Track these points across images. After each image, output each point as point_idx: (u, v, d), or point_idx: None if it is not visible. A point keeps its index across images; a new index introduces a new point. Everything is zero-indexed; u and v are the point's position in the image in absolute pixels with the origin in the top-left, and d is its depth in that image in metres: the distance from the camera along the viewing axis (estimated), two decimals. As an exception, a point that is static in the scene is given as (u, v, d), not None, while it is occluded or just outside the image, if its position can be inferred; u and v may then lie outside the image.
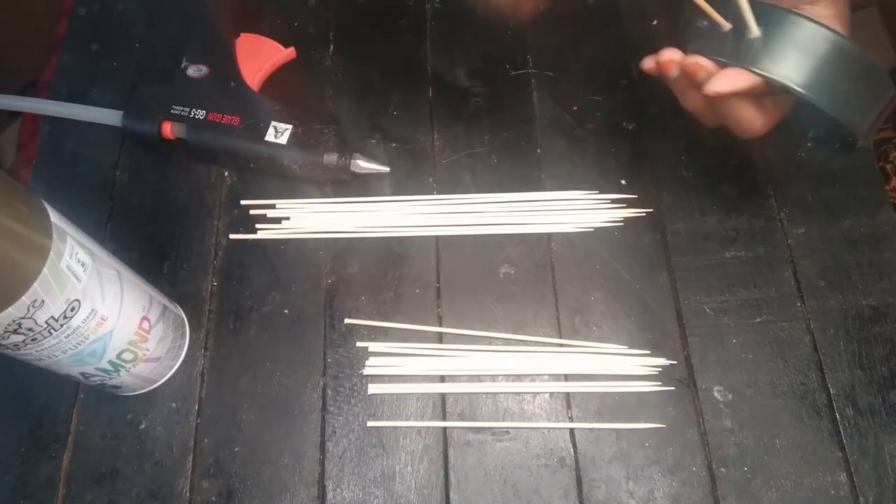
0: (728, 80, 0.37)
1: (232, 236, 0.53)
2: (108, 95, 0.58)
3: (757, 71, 0.37)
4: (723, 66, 0.39)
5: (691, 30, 0.40)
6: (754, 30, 0.37)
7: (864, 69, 0.39)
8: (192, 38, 0.56)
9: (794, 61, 0.37)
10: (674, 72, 0.39)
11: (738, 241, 0.52)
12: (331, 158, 0.52)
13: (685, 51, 0.39)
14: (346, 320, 0.50)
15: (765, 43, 0.37)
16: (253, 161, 0.53)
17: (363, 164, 0.53)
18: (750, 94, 0.38)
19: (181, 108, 0.53)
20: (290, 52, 0.58)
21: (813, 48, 0.37)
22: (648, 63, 0.41)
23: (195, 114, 0.53)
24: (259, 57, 0.57)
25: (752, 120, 0.40)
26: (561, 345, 0.49)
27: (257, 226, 0.53)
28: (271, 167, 0.53)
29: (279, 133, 0.52)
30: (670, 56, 0.39)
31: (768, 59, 0.37)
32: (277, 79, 0.58)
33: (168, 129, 0.53)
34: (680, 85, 0.42)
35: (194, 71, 0.55)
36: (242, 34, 0.58)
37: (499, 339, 0.49)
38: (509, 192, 0.54)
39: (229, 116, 0.53)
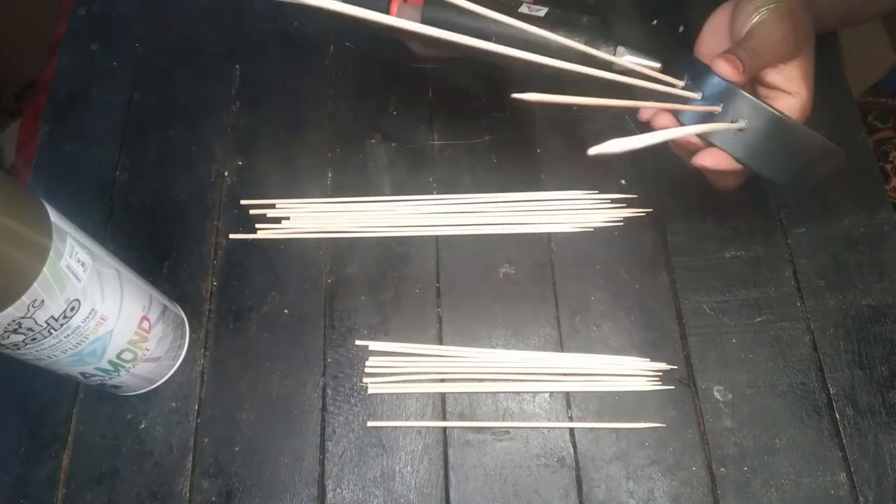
0: (711, 159, 0.43)
1: (232, 236, 0.53)
2: (108, 95, 0.58)
3: (740, 160, 0.42)
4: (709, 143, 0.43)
5: (686, 102, 0.43)
6: (743, 125, 0.42)
7: (823, 152, 0.43)
8: None
9: (770, 156, 0.42)
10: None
11: (737, 240, 0.52)
12: (591, 42, 0.45)
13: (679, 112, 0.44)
14: (357, 342, 0.49)
15: (749, 135, 0.41)
16: (499, 38, 0.45)
17: (627, 57, 0.45)
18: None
19: None
20: None
21: (785, 145, 0.42)
22: (644, 115, 0.45)
23: None
24: None
25: (726, 180, 0.45)
26: (563, 370, 0.48)
27: (257, 226, 0.53)
28: (523, 46, 0.41)
29: (534, 9, 0.46)
30: (664, 123, 0.44)
31: (747, 149, 0.42)
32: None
33: (399, 11, 0.46)
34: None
35: None
36: None
37: (499, 346, 0.49)
38: (509, 192, 0.54)
39: None
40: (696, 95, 0.42)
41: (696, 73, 0.43)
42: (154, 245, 0.53)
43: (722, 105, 0.42)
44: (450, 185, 0.54)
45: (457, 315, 0.50)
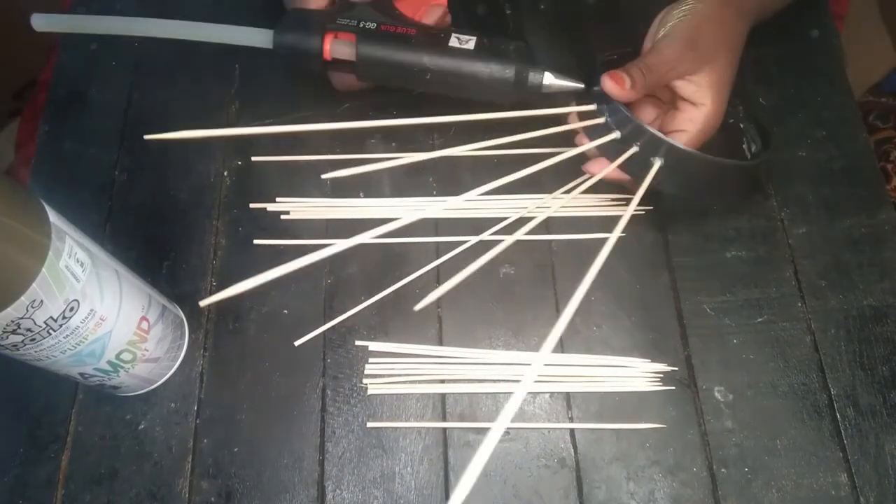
0: (598, 167, 0.46)
1: (252, 205, 0.53)
2: (107, 95, 0.58)
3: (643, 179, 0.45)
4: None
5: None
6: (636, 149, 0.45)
7: (727, 171, 0.46)
8: None
9: (673, 177, 0.45)
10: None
11: (738, 240, 0.52)
12: (522, 70, 0.47)
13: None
14: (357, 342, 0.49)
15: (642, 157, 0.44)
16: (433, 73, 0.47)
17: (555, 81, 0.48)
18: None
19: (347, 21, 0.47)
20: None
21: (682, 169, 0.45)
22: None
23: (365, 24, 0.47)
24: None
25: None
26: (564, 370, 0.48)
27: (277, 198, 0.53)
28: (454, 80, 0.48)
29: (463, 42, 0.47)
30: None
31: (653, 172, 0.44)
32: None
33: (332, 46, 0.47)
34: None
35: None
36: None
37: (499, 347, 0.49)
38: (510, 193, 0.53)
39: (404, 28, 0.47)
40: (601, 120, 0.45)
41: (610, 106, 0.45)
42: (153, 245, 0.52)
43: (620, 133, 0.44)
44: (450, 185, 0.54)
45: (457, 316, 0.50)
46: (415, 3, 0.51)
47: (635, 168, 0.45)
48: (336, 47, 0.47)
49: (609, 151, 0.46)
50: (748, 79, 0.48)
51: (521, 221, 0.52)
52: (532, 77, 0.47)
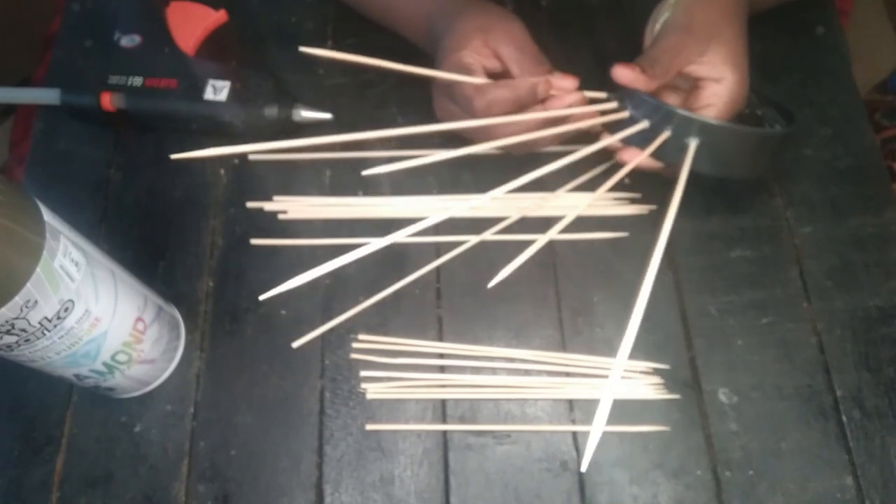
0: (630, 156, 0.46)
1: (249, 204, 0.53)
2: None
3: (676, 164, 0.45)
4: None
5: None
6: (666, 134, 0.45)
7: (756, 140, 0.47)
8: (122, 9, 0.56)
9: (705, 156, 0.45)
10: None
11: (743, 240, 0.51)
12: (272, 111, 0.52)
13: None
14: (354, 345, 0.49)
15: (675, 141, 0.45)
16: (194, 122, 0.53)
17: (305, 114, 0.54)
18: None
19: (118, 78, 0.53)
20: (220, 16, 0.58)
21: (718, 145, 0.45)
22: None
23: (132, 81, 0.53)
24: (191, 22, 0.57)
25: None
26: (566, 369, 0.48)
27: (275, 197, 0.53)
28: (213, 126, 0.53)
29: (217, 91, 0.52)
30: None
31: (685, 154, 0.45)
32: (215, 41, 0.57)
33: (107, 101, 0.53)
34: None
35: (127, 41, 0.55)
36: (172, 2, 0.57)
37: (500, 357, 0.48)
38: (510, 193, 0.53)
39: (166, 80, 0.53)
40: (625, 114, 0.46)
41: (633, 98, 0.46)
42: (149, 245, 0.52)
43: (650, 121, 0.45)
44: (450, 185, 0.54)
45: (457, 316, 0.49)
46: (185, 16, 0.56)
47: (670, 153, 0.45)
48: (114, 99, 0.53)
49: (637, 142, 0.46)
50: (753, 76, 0.48)
51: (525, 220, 0.52)
52: (283, 113, 0.53)
